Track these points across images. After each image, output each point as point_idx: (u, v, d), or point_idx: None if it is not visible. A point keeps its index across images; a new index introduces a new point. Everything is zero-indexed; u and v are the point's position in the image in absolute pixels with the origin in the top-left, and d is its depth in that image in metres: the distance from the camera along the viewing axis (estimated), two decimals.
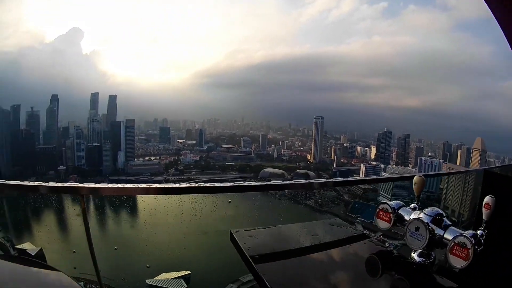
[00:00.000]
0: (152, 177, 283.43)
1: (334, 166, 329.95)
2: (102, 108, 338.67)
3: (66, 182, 32.99)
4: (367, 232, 18.05)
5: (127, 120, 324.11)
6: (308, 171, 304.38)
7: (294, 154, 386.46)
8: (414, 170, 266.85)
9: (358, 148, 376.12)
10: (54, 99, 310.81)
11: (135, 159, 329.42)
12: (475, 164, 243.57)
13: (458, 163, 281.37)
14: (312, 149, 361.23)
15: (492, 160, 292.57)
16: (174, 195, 9.82)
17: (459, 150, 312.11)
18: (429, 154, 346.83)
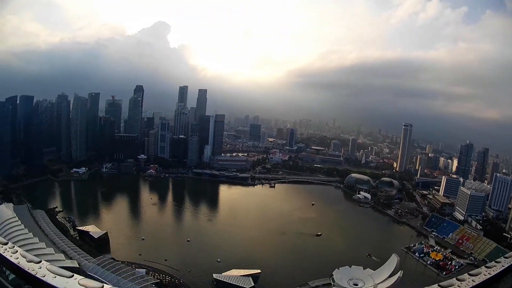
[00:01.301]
0: (238, 174, 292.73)
1: (418, 176, 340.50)
2: (190, 102, 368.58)
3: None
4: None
5: (217, 115, 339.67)
6: (392, 180, 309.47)
7: (381, 161, 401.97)
8: (489, 186, 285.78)
9: (442, 159, 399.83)
10: (139, 89, 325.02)
11: (222, 154, 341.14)
12: None
13: None
14: (399, 157, 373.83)
15: None
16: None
17: None
18: (504, 171, 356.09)
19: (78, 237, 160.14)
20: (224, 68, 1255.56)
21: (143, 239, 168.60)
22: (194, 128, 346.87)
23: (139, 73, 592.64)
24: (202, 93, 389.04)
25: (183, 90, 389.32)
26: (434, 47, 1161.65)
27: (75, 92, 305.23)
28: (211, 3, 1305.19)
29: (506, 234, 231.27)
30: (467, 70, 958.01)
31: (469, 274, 9.88)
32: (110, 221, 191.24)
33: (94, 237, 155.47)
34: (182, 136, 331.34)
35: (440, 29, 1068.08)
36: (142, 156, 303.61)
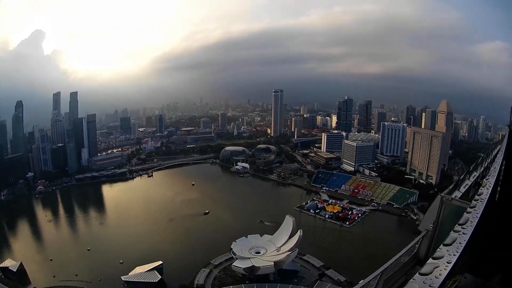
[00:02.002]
0: (116, 170, 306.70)
1: (295, 138, 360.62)
2: (65, 107, 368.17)
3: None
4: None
5: (88, 115, 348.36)
6: (269, 146, 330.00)
7: (254, 129, 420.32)
8: (377, 135, 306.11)
9: (319, 118, 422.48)
10: (19, 105, 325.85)
11: (98, 154, 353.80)
12: (440, 126, 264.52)
13: (423, 126, 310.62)
14: (272, 122, 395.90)
15: (459, 122, 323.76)
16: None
17: (424, 114, 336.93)
18: (392, 119, 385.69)
19: (2, 276, 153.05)
20: (93, 67, 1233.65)
21: (51, 259, 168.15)
22: (70, 133, 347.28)
23: (18, 88, 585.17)
24: (74, 96, 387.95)
25: (56, 97, 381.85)
26: (306, 14, 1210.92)
27: None
28: (81, 4, 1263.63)
29: (408, 176, 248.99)
30: (343, 31, 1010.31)
31: (432, 258, 13.05)
32: (21, 249, 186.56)
33: (13, 271, 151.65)
34: (60, 144, 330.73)
35: None
36: (30, 174, 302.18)
